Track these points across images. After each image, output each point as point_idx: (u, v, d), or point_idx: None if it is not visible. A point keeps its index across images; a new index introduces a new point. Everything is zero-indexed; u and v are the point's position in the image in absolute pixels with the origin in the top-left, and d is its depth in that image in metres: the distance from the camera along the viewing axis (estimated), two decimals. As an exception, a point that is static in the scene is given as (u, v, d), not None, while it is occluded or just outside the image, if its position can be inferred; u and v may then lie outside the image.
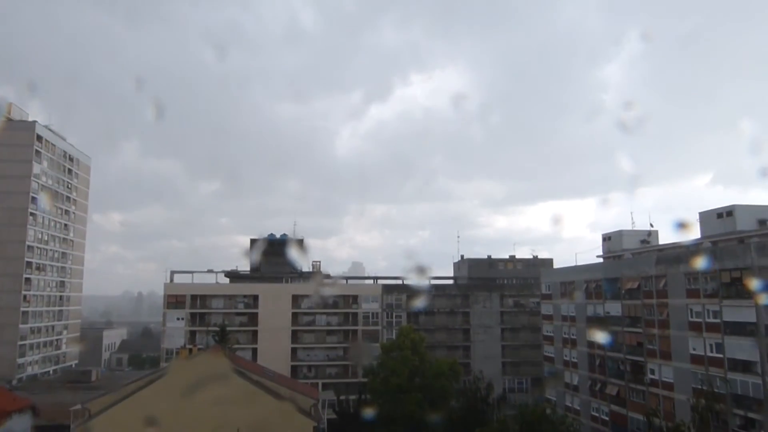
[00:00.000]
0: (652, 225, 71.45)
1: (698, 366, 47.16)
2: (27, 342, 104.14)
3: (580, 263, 72.15)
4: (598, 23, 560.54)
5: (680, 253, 54.01)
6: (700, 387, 45.50)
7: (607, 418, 59.91)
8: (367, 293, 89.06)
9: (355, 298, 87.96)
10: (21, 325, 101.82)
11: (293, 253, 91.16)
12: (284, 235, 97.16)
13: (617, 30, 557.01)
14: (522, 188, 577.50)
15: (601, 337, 59.12)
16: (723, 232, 54.45)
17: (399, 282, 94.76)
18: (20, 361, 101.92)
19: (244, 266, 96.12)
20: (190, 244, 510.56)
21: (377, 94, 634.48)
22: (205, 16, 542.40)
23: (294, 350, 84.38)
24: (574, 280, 67.81)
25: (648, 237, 69.64)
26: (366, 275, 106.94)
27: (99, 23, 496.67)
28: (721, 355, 45.04)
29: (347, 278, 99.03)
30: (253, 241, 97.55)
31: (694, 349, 47.89)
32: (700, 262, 47.43)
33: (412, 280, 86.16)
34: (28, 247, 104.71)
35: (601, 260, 71.94)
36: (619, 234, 71.34)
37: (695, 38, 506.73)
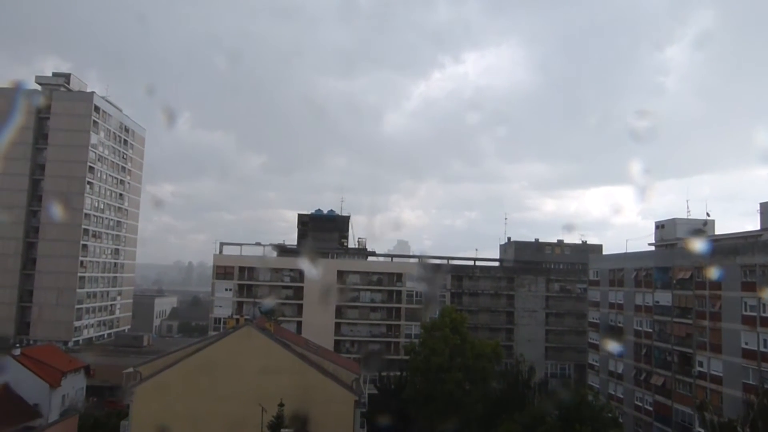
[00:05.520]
0: (708, 214, 68.91)
1: (750, 361, 45.70)
2: (83, 306, 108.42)
3: (630, 251, 70.52)
4: (662, 1, 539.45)
5: (737, 244, 52.14)
6: (751, 382, 44.19)
7: (650, 408, 58.89)
8: (412, 272, 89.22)
9: (399, 276, 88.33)
10: (78, 290, 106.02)
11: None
12: (331, 211, 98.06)
13: (683, 9, 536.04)
14: (573, 172, 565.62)
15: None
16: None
17: (444, 261, 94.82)
18: (77, 324, 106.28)
19: (291, 240, 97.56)
20: (239, 217, 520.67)
21: (428, 71, 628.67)
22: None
23: (338, 325, 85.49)
24: (624, 267, 66.36)
25: (704, 226, 67.39)
26: (411, 254, 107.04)
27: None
28: (775, 351, 43.57)
29: (392, 256, 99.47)
30: (300, 216, 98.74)
31: (747, 344, 46.38)
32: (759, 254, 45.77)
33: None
34: (86, 214, 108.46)
35: (652, 248, 70.14)
36: (673, 222, 69.28)
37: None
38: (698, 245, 54.49)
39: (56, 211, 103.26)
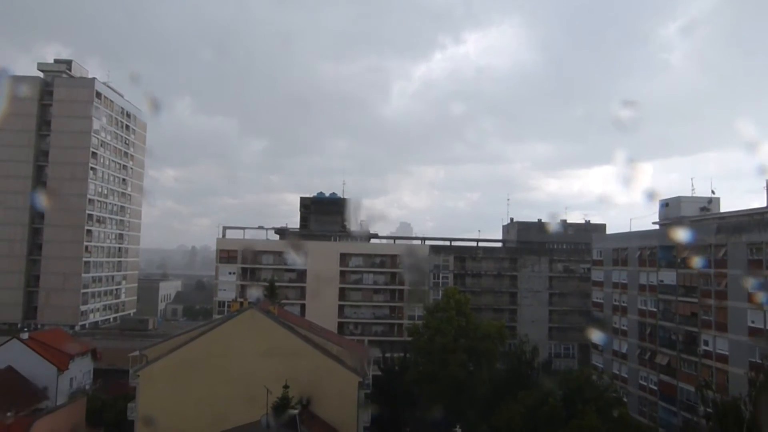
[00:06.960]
0: (713, 192, 68.48)
1: (756, 339, 45.58)
2: (89, 290, 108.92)
3: (635, 229, 70.16)
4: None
5: (743, 222, 51.82)
6: (757, 361, 44.05)
7: (655, 388, 58.86)
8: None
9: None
10: (83, 275, 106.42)
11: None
12: (333, 194, 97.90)
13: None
14: (576, 151, 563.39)
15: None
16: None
17: (447, 243, 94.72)
18: (83, 308, 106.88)
19: (294, 224, 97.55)
20: (241, 201, 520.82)
21: (428, 52, 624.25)
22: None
23: (341, 307, 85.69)
24: (628, 246, 66.09)
25: (709, 204, 67.00)
26: (414, 236, 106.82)
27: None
28: (781, 329, 43.37)
29: (395, 238, 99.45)
30: (302, 200, 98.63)
31: (753, 322, 46.16)
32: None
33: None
34: (89, 200, 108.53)
35: (656, 227, 69.82)
36: (678, 200, 68.84)
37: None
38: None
39: (60, 197, 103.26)
